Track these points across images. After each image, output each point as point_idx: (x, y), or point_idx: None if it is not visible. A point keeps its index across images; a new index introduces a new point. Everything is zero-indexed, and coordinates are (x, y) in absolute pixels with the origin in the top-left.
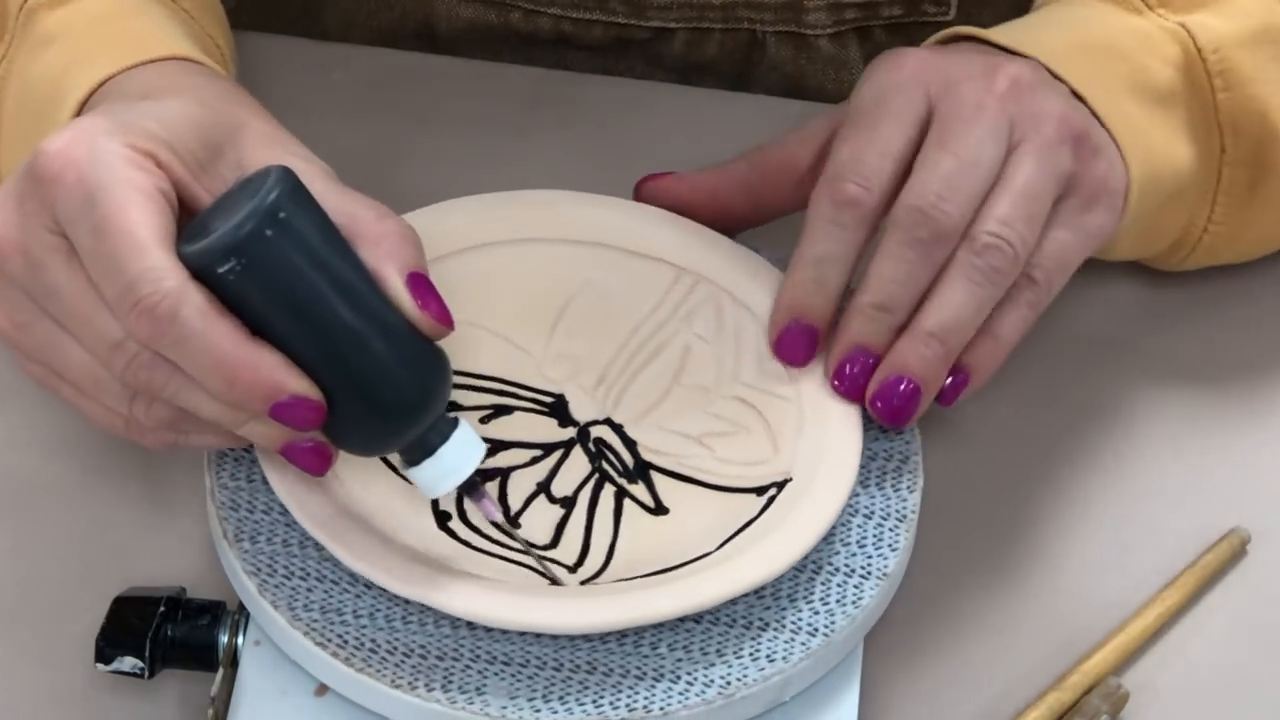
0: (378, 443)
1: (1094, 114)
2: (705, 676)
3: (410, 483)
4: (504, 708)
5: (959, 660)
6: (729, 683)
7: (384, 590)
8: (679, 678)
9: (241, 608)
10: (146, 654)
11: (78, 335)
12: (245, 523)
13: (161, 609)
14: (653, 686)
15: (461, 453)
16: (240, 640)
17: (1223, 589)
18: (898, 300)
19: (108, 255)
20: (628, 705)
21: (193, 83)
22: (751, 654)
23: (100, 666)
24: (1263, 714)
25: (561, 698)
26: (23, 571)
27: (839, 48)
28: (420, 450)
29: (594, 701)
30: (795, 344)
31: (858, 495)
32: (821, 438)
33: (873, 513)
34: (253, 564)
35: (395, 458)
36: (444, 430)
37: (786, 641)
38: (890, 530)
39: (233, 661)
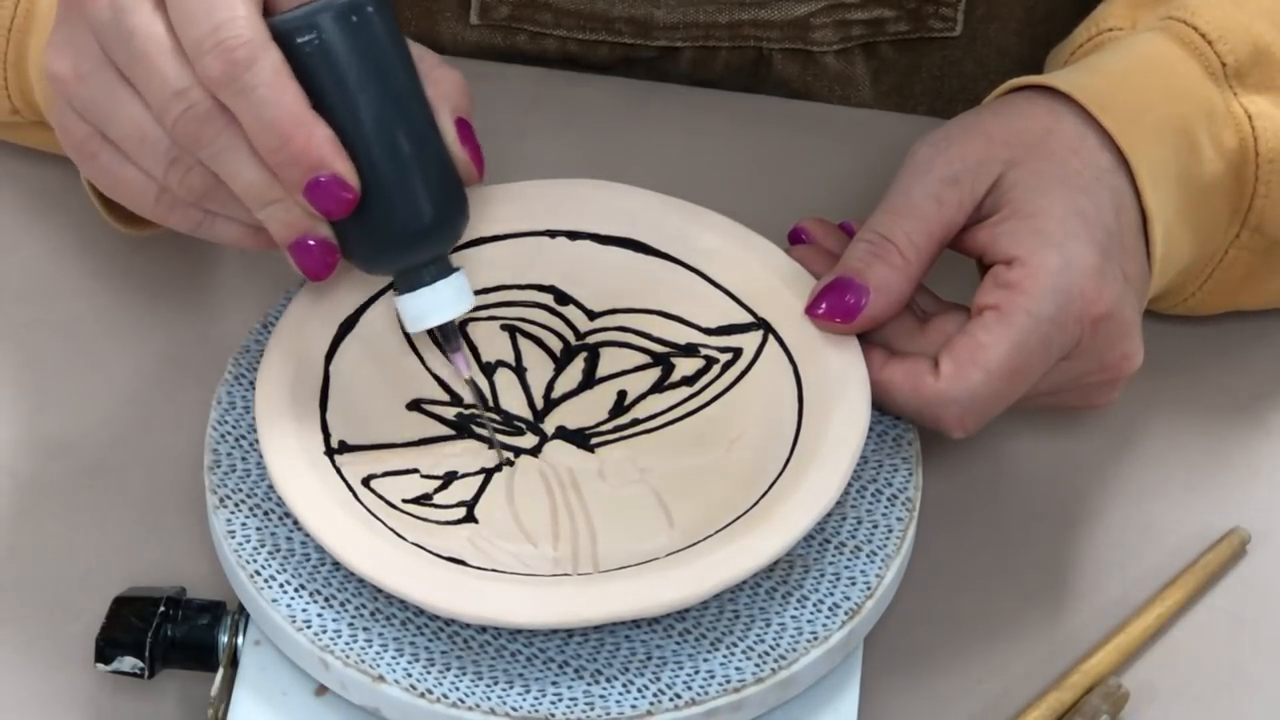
0: (384, 256)
1: (1141, 210)
2: (706, 676)
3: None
4: (504, 706)
5: (959, 660)
6: (729, 681)
7: (383, 591)
8: (679, 677)
9: (241, 608)
10: (146, 654)
11: (140, 83)
12: (250, 534)
13: (161, 609)
14: (671, 679)
15: (453, 295)
16: (240, 640)
17: (1223, 589)
18: None
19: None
20: (631, 704)
21: None
22: (761, 647)
23: (100, 666)
24: (1263, 714)
25: (562, 696)
26: (23, 571)
27: (845, 64)
28: (416, 279)
29: (617, 699)
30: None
31: (858, 495)
32: (822, 425)
33: (872, 512)
34: (260, 575)
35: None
36: (444, 269)
37: (787, 641)
38: (890, 530)
39: (233, 661)
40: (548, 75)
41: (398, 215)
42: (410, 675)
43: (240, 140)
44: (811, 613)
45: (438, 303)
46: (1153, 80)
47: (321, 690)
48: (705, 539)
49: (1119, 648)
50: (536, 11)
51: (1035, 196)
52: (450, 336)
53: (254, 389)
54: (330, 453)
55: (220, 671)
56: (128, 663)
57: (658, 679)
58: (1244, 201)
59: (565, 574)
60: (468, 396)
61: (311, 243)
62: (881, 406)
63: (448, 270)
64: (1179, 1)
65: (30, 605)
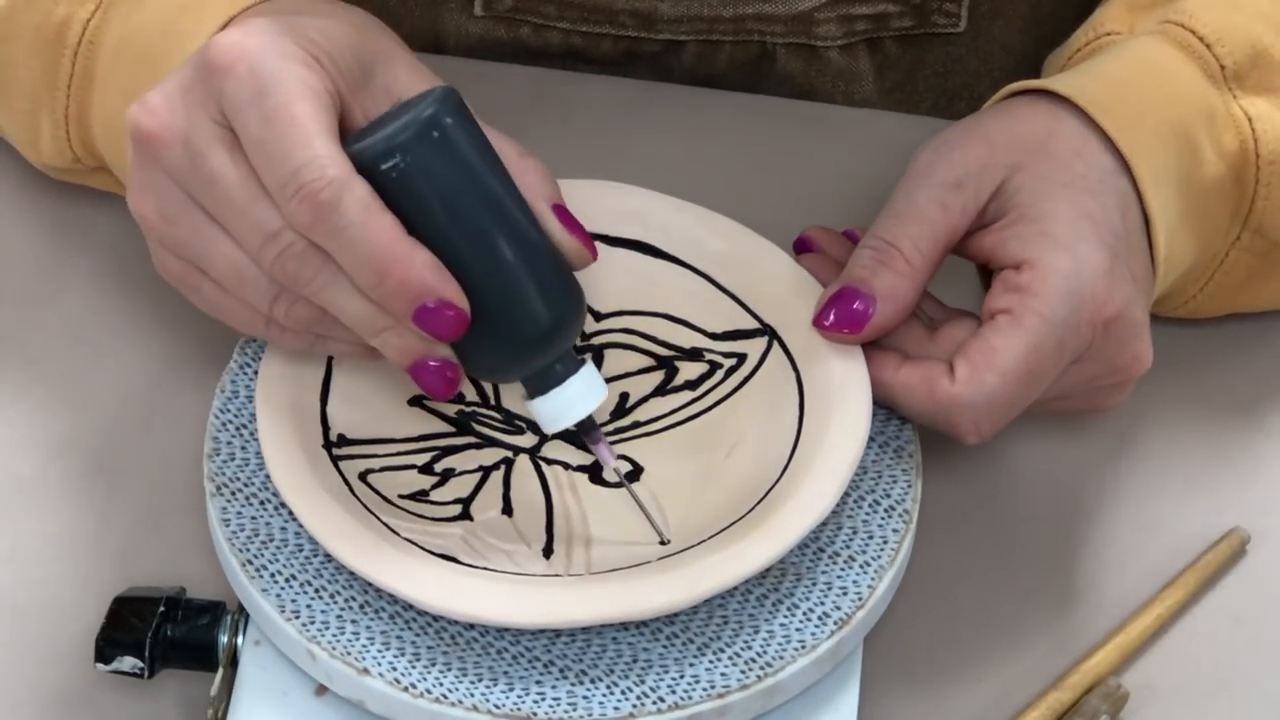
0: (507, 366)
1: (1143, 212)
2: (691, 680)
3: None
4: (487, 703)
5: (959, 660)
6: (713, 687)
7: (383, 591)
8: (664, 680)
9: (241, 608)
10: (146, 654)
11: (231, 227)
12: (244, 523)
13: (161, 609)
14: (656, 683)
15: (584, 390)
16: (240, 640)
17: (1223, 589)
18: None
19: (275, 142)
20: (614, 706)
21: (334, 8)
22: (748, 654)
23: (100, 666)
24: (1263, 714)
25: (545, 695)
26: (23, 571)
27: (849, 59)
28: (546, 381)
29: (600, 701)
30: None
31: (855, 505)
32: (822, 433)
33: (869, 523)
34: (252, 564)
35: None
36: (571, 365)
37: (774, 649)
38: (885, 541)
39: (233, 661)
40: (549, 74)
41: (515, 324)
42: (395, 669)
43: (341, 276)
44: (801, 621)
45: (571, 399)
46: (1152, 83)
47: (321, 690)
48: (698, 544)
49: (1119, 648)
50: (540, 4)
51: (1041, 200)
52: (589, 429)
53: (257, 379)
54: (329, 445)
55: (220, 671)
56: (128, 663)
57: (642, 682)
58: (1245, 204)
59: (556, 574)
60: (611, 474)
61: (432, 364)
62: (895, 411)
63: (575, 364)
64: (1177, 5)
65: (30, 605)
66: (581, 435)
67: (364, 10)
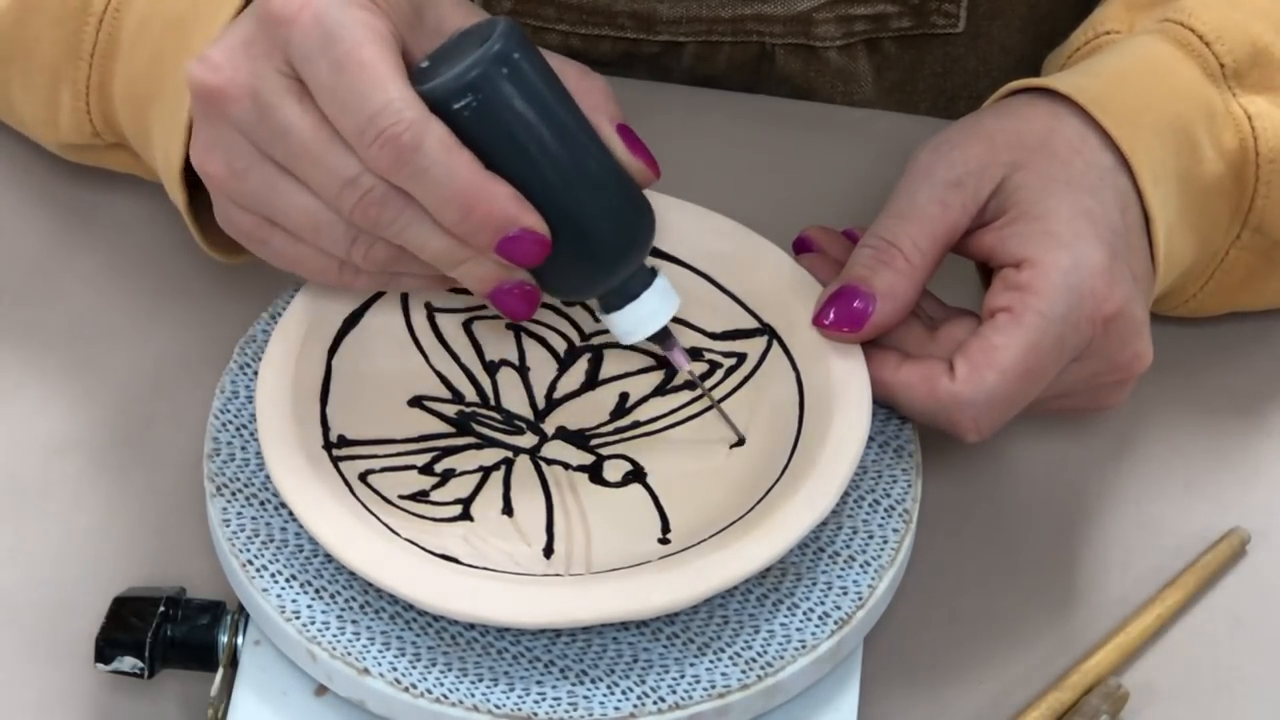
0: (585, 285)
1: (1143, 210)
2: (691, 680)
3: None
4: (487, 703)
5: (959, 660)
6: (713, 687)
7: (383, 591)
8: (664, 680)
9: (241, 608)
10: (146, 654)
11: (306, 176)
12: (244, 523)
13: (161, 609)
14: (656, 682)
15: (659, 302)
16: (240, 640)
17: (1223, 589)
18: None
19: (348, 89)
20: (615, 706)
21: None
22: (749, 654)
23: (100, 666)
24: (1263, 714)
25: (546, 695)
26: (23, 571)
27: (848, 59)
28: (622, 296)
29: (600, 701)
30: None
31: (855, 505)
32: (822, 433)
33: (869, 522)
34: (252, 564)
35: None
36: (645, 278)
37: (774, 649)
38: (885, 541)
39: (233, 661)
40: None
41: (592, 245)
42: (396, 669)
43: (422, 215)
44: (801, 621)
45: (647, 312)
46: (1152, 82)
47: (321, 690)
48: (698, 543)
49: (1119, 648)
50: (539, 6)
51: (1041, 198)
52: (664, 338)
53: (256, 379)
54: (328, 446)
55: (220, 671)
56: (128, 663)
57: (642, 682)
58: (1245, 202)
59: (557, 574)
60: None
61: (511, 288)
62: (895, 410)
63: (649, 277)
64: (1176, 4)
65: (30, 605)
66: (657, 345)
67: None
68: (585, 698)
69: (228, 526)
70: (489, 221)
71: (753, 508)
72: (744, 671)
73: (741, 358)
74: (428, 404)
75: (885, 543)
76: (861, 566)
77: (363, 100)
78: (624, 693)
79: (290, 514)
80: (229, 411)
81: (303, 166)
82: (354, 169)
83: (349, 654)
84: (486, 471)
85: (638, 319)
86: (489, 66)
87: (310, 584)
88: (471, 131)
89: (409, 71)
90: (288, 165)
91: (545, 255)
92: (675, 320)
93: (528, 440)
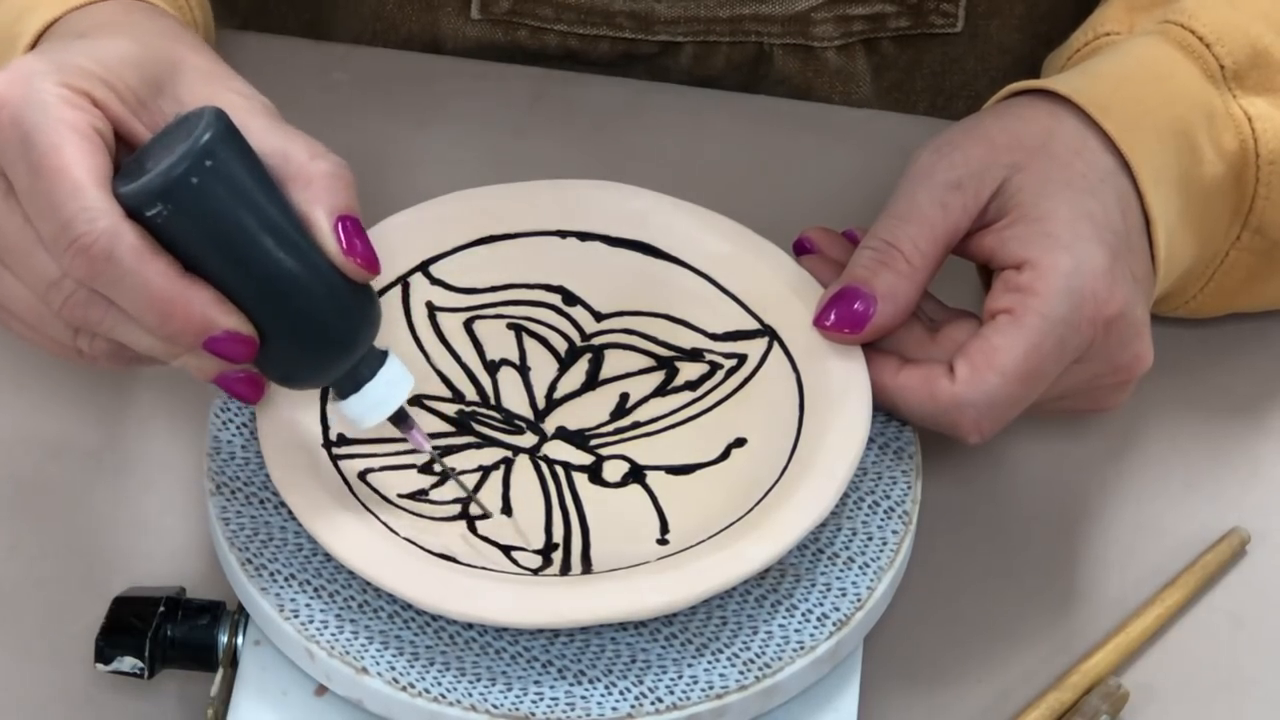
0: (306, 376)
1: (1143, 212)
2: (689, 681)
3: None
4: (485, 703)
5: (959, 660)
6: (711, 688)
7: (382, 590)
8: (662, 681)
9: (241, 608)
10: (146, 654)
11: (18, 273)
12: (244, 522)
13: (161, 609)
14: (654, 683)
15: (389, 387)
16: (240, 640)
17: (1223, 589)
18: None
19: (43, 194)
20: (612, 706)
21: (132, 20)
22: (747, 655)
23: (100, 666)
24: (1263, 714)
25: (544, 695)
26: (23, 571)
27: (846, 59)
28: (350, 383)
29: (598, 701)
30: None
31: (855, 506)
32: (821, 434)
33: (868, 524)
34: (252, 563)
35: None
36: (373, 365)
37: (773, 650)
38: (885, 542)
39: (233, 661)
40: (548, 75)
41: (302, 341)
42: (394, 669)
43: (128, 316)
44: (800, 622)
45: (377, 398)
46: (1152, 83)
47: (321, 690)
48: (697, 544)
49: (1119, 648)
50: (537, 6)
51: (1042, 200)
52: (401, 420)
53: None
54: (328, 445)
55: (220, 671)
56: (127, 663)
57: (640, 682)
58: (1245, 203)
59: (556, 574)
60: (451, 478)
61: (235, 377)
62: (896, 413)
63: (376, 364)
64: (1176, 5)
65: (30, 605)
66: (396, 427)
67: (166, 17)
68: (583, 698)
69: (227, 525)
70: (189, 326)
71: (752, 509)
72: (742, 672)
73: (742, 359)
74: (428, 403)
75: (885, 544)
76: (861, 568)
77: (56, 208)
78: (622, 693)
79: (290, 513)
80: (229, 411)
81: (14, 263)
82: (56, 271)
83: (347, 653)
84: (486, 471)
85: (367, 405)
86: (182, 171)
87: (309, 583)
88: (169, 234)
89: (119, 166)
90: (2, 260)
91: (253, 352)
92: (678, 320)
93: (527, 440)
